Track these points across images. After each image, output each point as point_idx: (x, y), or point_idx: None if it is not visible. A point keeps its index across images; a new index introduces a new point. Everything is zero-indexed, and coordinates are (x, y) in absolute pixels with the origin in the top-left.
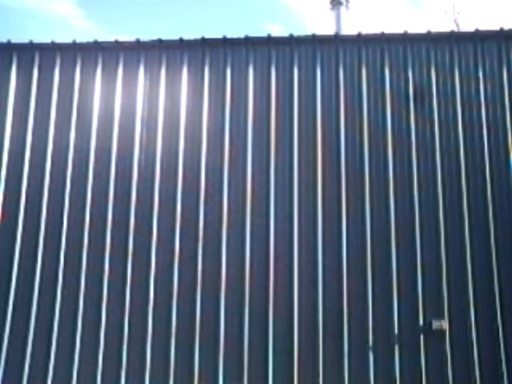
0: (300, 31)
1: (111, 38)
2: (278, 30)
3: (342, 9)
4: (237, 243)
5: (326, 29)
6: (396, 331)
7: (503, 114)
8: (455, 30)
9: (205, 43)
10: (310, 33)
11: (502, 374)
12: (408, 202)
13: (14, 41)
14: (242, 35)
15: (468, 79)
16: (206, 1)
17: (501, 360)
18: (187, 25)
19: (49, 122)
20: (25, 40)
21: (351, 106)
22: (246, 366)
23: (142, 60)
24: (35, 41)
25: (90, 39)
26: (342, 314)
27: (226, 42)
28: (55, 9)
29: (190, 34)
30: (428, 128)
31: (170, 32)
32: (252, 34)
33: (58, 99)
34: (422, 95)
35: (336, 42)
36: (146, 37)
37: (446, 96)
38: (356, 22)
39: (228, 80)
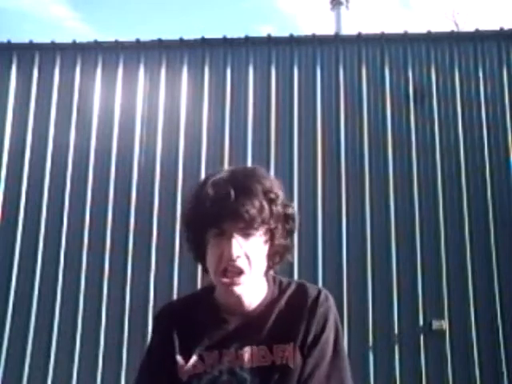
0: (293, 33)
1: (107, 40)
2: (272, 32)
3: (342, 9)
4: None
5: (320, 30)
6: (396, 331)
7: (503, 114)
8: (455, 29)
9: (205, 43)
10: (305, 34)
11: (502, 373)
12: (408, 202)
13: (13, 41)
14: (241, 35)
15: (468, 79)
16: (206, 1)
17: (501, 360)
18: (187, 25)
19: (49, 121)
20: (23, 40)
21: (351, 105)
22: None
23: (142, 60)
24: (35, 41)
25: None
26: (342, 314)
27: (226, 41)
28: (49, 11)
29: (190, 34)
30: (428, 128)
31: (170, 32)
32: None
33: (58, 99)
34: (422, 95)
35: (336, 41)
36: (144, 37)
37: (446, 96)
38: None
39: (228, 80)
